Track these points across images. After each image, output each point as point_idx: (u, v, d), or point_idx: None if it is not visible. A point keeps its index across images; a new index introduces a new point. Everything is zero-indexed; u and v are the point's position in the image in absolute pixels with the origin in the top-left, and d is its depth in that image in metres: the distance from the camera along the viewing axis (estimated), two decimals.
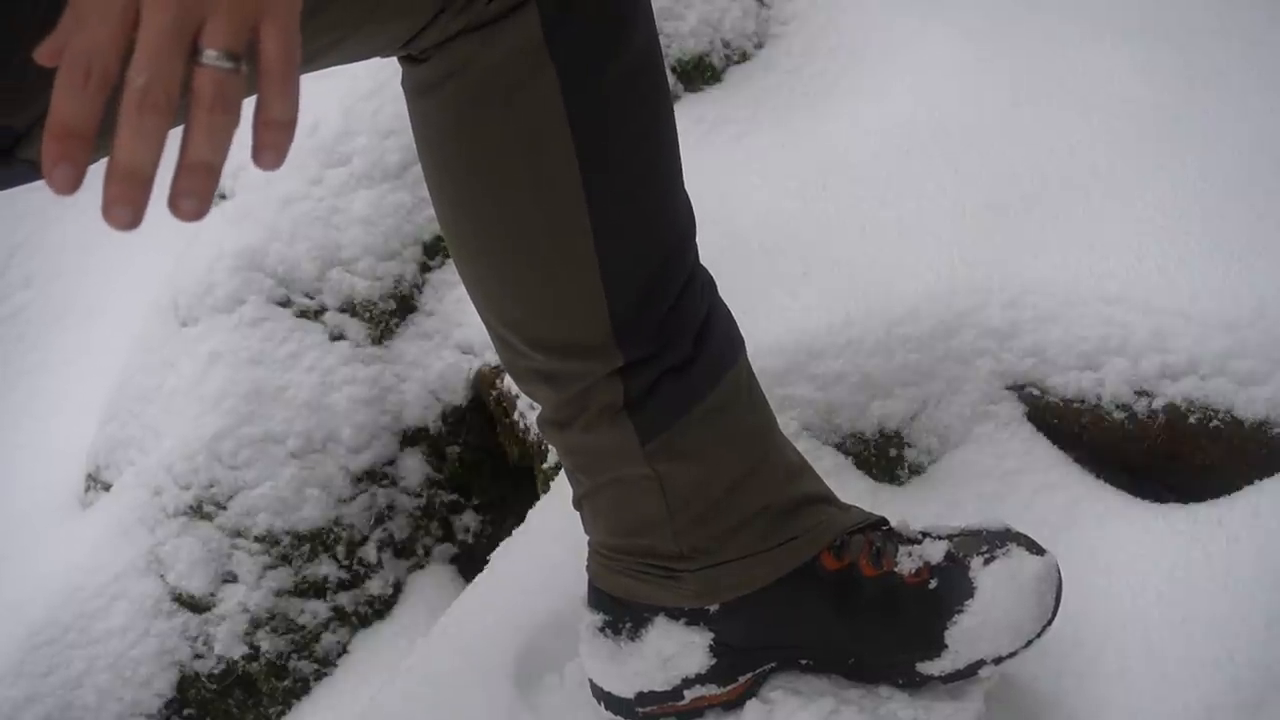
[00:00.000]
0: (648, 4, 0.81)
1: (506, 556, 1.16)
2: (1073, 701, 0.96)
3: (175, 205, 0.47)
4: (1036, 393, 1.15)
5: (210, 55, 0.46)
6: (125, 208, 0.46)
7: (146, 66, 0.45)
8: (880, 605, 0.90)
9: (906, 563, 0.91)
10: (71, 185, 0.46)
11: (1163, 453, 1.11)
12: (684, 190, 0.86)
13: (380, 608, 1.48)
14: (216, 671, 1.41)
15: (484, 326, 0.90)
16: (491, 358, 1.42)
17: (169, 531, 1.42)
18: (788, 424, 1.15)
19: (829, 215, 1.31)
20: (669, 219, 0.85)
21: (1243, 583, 0.98)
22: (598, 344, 0.83)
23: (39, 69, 0.61)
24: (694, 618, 0.92)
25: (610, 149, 0.80)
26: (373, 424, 1.46)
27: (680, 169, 0.85)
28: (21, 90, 0.66)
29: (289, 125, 0.48)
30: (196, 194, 0.47)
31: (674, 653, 0.92)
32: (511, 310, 0.86)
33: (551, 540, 1.12)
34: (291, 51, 0.48)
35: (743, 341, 0.92)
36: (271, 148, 0.48)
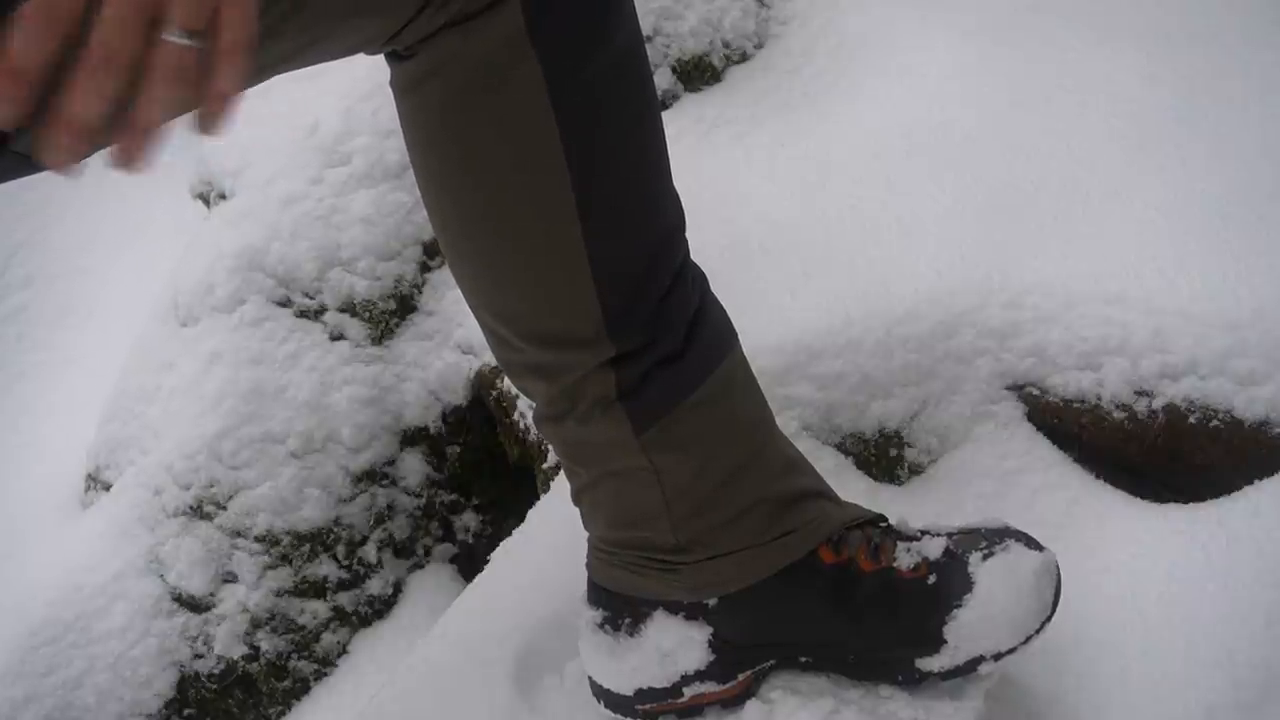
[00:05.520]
0: (631, 2, 0.81)
1: (506, 556, 1.16)
2: (1073, 701, 0.96)
3: (116, 158, 0.51)
4: (1036, 393, 1.16)
5: (172, 32, 0.49)
6: (63, 153, 0.50)
7: (108, 32, 0.48)
8: (878, 600, 0.90)
9: (905, 558, 0.91)
10: (8, 120, 0.49)
11: (1163, 453, 1.11)
12: (672, 185, 0.87)
13: (380, 608, 1.48)
14: (216, 671, 1.41)
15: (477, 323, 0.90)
16: (491, 358, 1.42)
17: (169, 531, 1.42)
18: (788, 424, 1.15)
19: (829, 215, 1.31)
20: (657, 210, 0.86)
21: (1243, 583, 0.98)
22: (589, 335, 0.84)
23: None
24: (692, 612, 0.92)
25: (596, 140, 0.80)
26: (373, 424, 1.46)
27: (668, 163, 0.86)
28: None
29: (234, 100, 0.52)
30: (137, 155, 0.51)
31: (672, 648, 0.92)
32: (503, 303, 0.86)
33: (551, 540, 1.12)
34: (248, 32, 0.51)
35: (736, 335, 0.92)
36: (214, 115, 0.51)
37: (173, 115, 0.51)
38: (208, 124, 0.51)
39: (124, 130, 0.50)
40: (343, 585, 1.45)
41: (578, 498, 0.95)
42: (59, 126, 0.49)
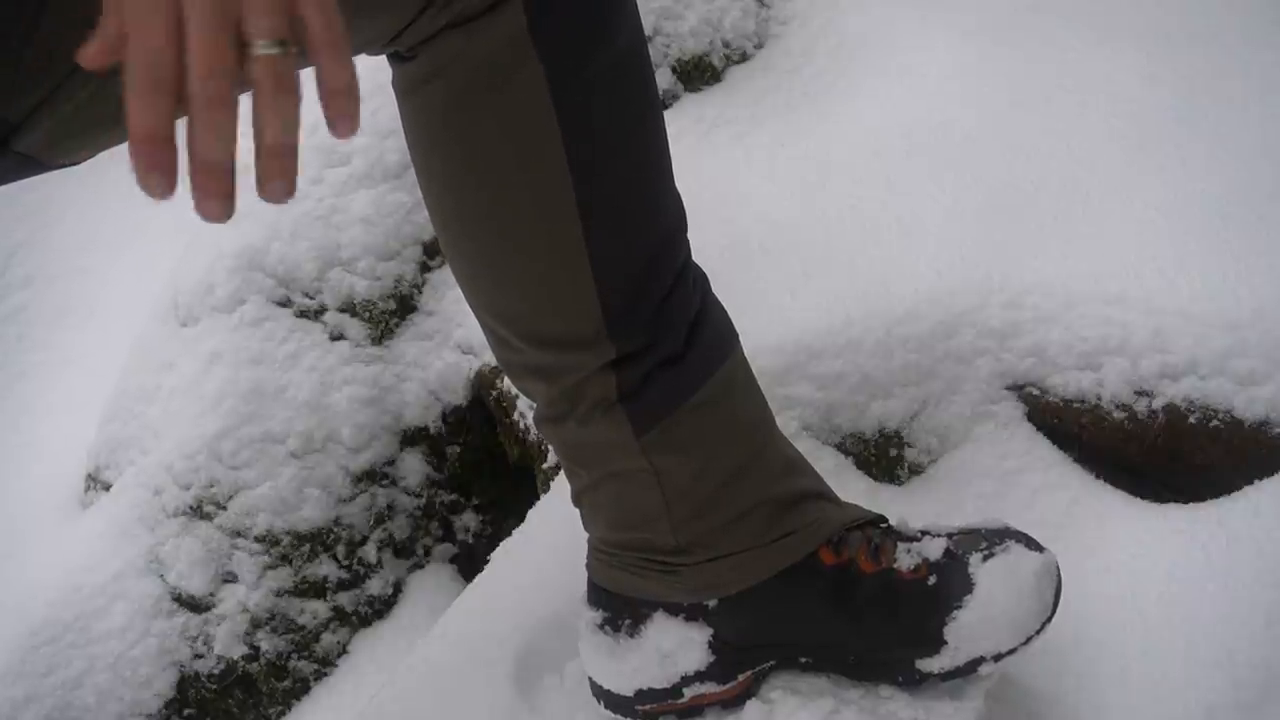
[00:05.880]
0: (633, 1, 0.81)
1: (506, 556, 1.16)
2: (1073, 701, 0.96)
3: (264, 190, 0.50)
4: (1036, 393, 1.16)
5: (259, 45, 0.49)
6: (216, 200, 0.49)
7: (202, 67, 0.48)
8: (879, 601, 0.90)
9: (905, 559, 0.91)
10: (168, 190, 0.48)
11: (1163, 453, 1.11)
12: (674, 185, 0.87)
13: (380, 608, 1.48)
14: (216, 671, 1.41)
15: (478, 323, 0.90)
16: (491, 358, 1.42)
17: (169, 531, 1.42)
18: (788, 424, 1.15)
19: (829, 215, 1.31)
20: (659, 210, 0.86)
21: (1243, 583, 0.98)
22: (589, 336, 0.84)
23: (33, 59, 0.61)
24: (692, 613, 0.92)
25: (597, 140, 0.80)
26: (373, 424, 1.46)
27: (670, 164, 0.86)
28: (16, 81, 0.66)
29: (352, 91, 0.51)
30: (281, 175, 0.50)
31: (673, 649, 0.92)
32: (503, 303, 0.86)
33: (551, 540, 1.12)
34: (334, 22, 0.50)
35: (737, 336, 0.92)
36: (342, 115, 0.51)
37: (297, 129, 0.50)
38: (338, 125, 0.50)
39: (259, 157, 0.49)
40: (343, 585, 1.45)
41: (578, 499, 0.95)
42: (199, 177, 0.48)
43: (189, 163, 0.48)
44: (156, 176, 0.48)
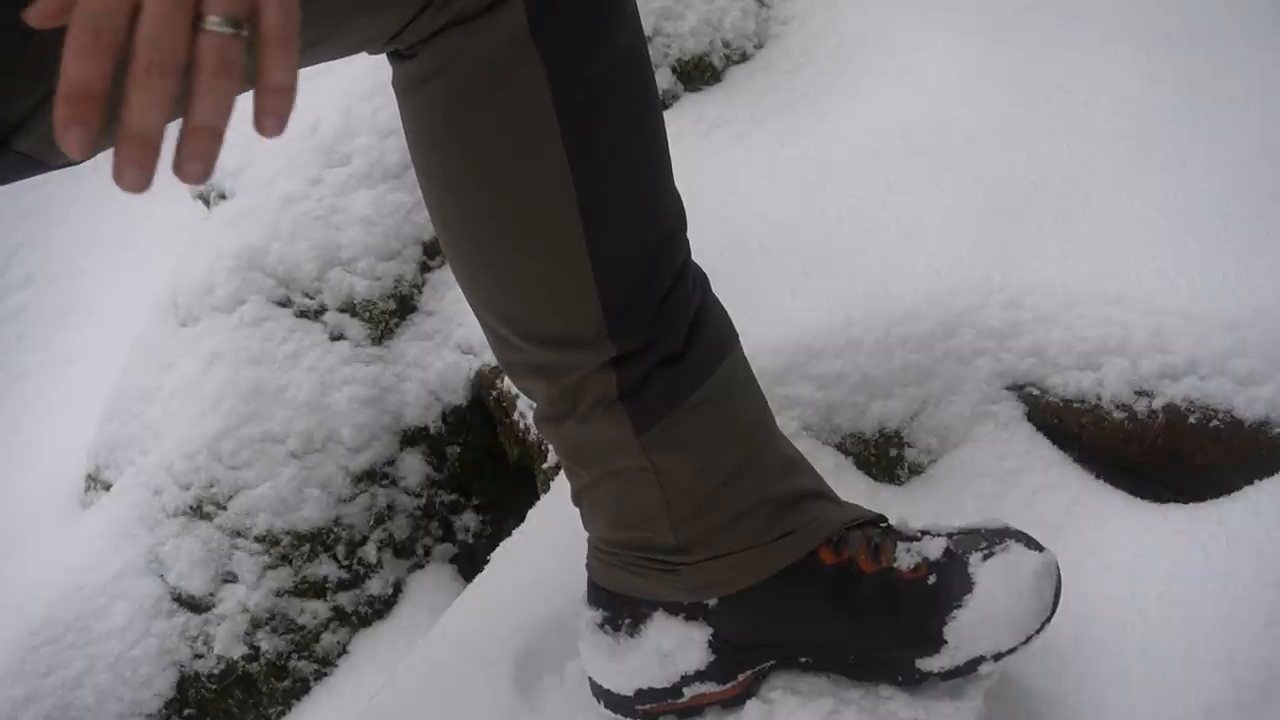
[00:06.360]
0: (633, 1, 0.81)
1: (506, 556, 1.16)
2: (1073, 701, 0.96)
3: (180, 168, 0.49)
4: (1036, 393, 1.16)
5: (213, 21, 0.48)
6: (135, 169, 0.48)
7: (152, 31, 0.47)
8: (879, 600, 0.90)
9: (905, 558, 0.91)
10: (85, 148, 0.47)
11: (1163, 453, 1.12)
12: (673, 185, 0.87)
13: (380, 608, 1.48)
14: (216, 671, 1.41)
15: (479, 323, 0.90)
16: (491, 358, 1.42)
17: (169, 531, 1.42)
18: (788, 424, 1.15)
19: (829, 215, 1.31)
20: (659, 210, 0.86)
21: (1243, 583, 0.98)
22: (590, 335, 0.84)
23: (33, 60, 0.61)
24: (692, 613, 0.92)
25: (597, 139, 0.80)
26: (373, 424, 1.46)
27: (669, 164, 0.86)
28: (15, 80, 0.66)
29: (289, 91, 0.50)
30: (200, 157, 0.49)
31: (673, 648, 0.92)
32: (504, 302, 0.86)
33: (552, 540, 1.12)
34: (291, 18, 0.50)
35: (737, 335, 0.92)
36: (273, 113, 0.50)
37: (228, 114, 0.49)
38: (265, 122, 0.50)
39: (184, 135, 0.49)
40: (343, 585, 1.45)
41: (578, 498, 0.95)
42: (124, 145, 0.48)
43: (117, 128, 0.48)
44: (76, 131, 0.47)
